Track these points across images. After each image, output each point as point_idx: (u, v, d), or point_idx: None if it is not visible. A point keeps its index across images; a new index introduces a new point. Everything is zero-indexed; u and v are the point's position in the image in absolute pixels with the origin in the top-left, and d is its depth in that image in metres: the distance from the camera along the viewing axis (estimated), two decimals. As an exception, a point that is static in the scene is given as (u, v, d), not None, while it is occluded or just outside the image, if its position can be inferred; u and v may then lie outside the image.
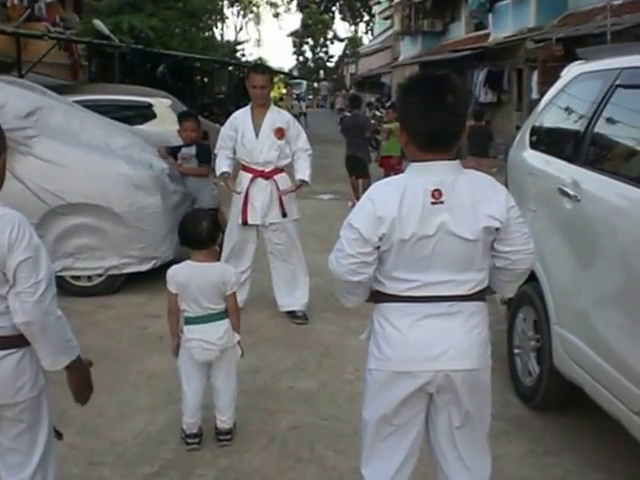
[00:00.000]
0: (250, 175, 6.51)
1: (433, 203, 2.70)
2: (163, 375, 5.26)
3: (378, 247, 2.75)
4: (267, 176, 6.53)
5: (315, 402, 4.92)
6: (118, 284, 7.44)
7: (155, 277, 7.41)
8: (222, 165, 6.63)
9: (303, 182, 6.60)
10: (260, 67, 7.09)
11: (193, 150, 7.86)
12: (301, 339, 6.17)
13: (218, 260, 4.48)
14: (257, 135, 6.51)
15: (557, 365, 4.34)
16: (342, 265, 2.79)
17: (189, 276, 4.16)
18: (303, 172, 6.62)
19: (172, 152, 7.99)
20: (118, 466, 4.13)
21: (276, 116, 6.63)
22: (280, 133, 6.52)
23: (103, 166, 7.27)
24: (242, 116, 6.66)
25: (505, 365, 5.16)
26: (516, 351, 5.04)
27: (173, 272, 4.22)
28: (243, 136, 6.55)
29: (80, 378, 3.00)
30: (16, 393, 2.80)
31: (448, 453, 2.99)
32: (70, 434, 4.39)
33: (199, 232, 4.19)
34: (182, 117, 8.23)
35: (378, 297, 2.88)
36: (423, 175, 2.75)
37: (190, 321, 4.21)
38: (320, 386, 5.17)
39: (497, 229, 2.77)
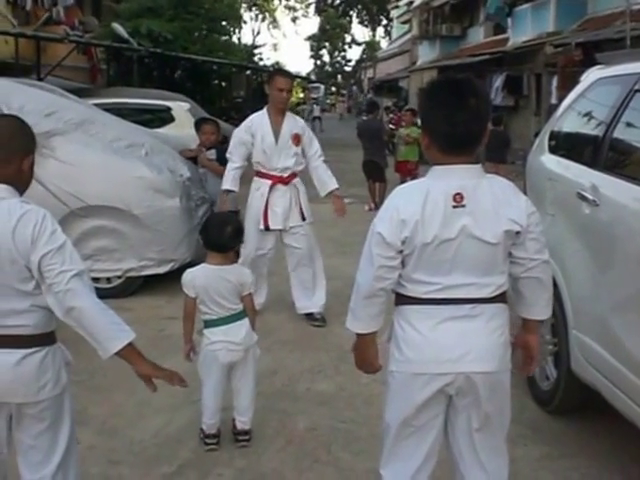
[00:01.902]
0: (269, 182, 6.51)
1: (455, 207, 2.72)
2: (182, 376, 5.28)
3: (401, 251, 2.76)
4: (286, 181, 6.55)
5: (332, 404, 4.94)
6: (136, 286, 7.48)
7: (173, 280, 7.44)
8: (228, 180, 6.56)
9: (336, 189, 6.69)
10: (285, 70, 7.11)
11: (213, 155, 7.92)
12: (318, 342, 6.19)
13: (235, 262, 4.49)
14: (277, 141, 6.51)
15: (575, 369, 4.34)
16: (369, 271, 2.80)
17: (208, 279, 4.20)
18: (330, 180, 6.70)
19: (191, 157, 8.08)
20: (137, 465, 4.17)
21: (293, 122, 6.65)
22: (297, 139, 6.55)
23: (123, 169, 7.31)
24: (259, 120, 6.58)
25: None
26: (533, 355, 5.04)
27: (191, 276, 4.25)
28: (263, 141, 6.50)
29: (141, 361, 2.98)
30: (38, 391, 2.84)
31: (466, 455, 3.01)
32: (89, 433, 4.46)
33: (223, 236, 4.22)
34: (201, 121, 8.32)
35: (399, 300, 2.90)
36: (445, 179, 2.77)
37: (212, 324, 4.24)
38: (337, 389, 5.19)
39: (517, 233, 2.79)
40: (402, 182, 13.41)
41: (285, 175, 6.55)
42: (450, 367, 2.81)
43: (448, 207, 2.72)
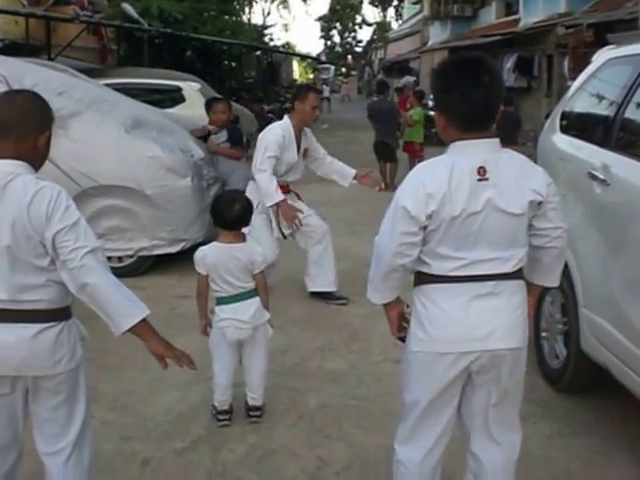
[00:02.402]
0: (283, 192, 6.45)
1: (479, 180, 2.74)
2: (194, 354, 5.21)
3: (425, 227, 2.76)
4: (290, 190, 6.68)
5: (343, 382, 4.97)
6: (148, 265, 7.52)
7: (185, 259, 7.49)
8: (278, 191, 6.30)
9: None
10: (316, 87, 7.07)
11: (224, 135, 7.93)
12: (329, 321, 6.22)
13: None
14: (297, 155, 6.55)
15: (584, 348, 4.36)
16: (389, 247, 2.78)
17: (218, 257, 4.22)
18: (347, 168, 6.82)
19: (201, 136, 8.08)
20: (150, 441, 4.22)
21: (305, 135, 6.69)
22: (306, 154, 6.66)
23: (135, 148, 7.33)
24: (289, 136, 6.47)
25: (532, 348, 5.17)
26: (543, 334, 5.06)
27: (202, 254, 4.27)
28: (290, 156, 6.48)
29: (154, 339, 3.01)
30: (54, 365, 2.86)
31: (481, 430, 3.06)
32: (101, 410, 4.51)
33: (232, 213, 4.24)
34: (212, 100, 8.32)
35: (421, 278, 2.88)
36: (467, 153, 2.78)
37: (222, 301, 4.27)
38: (348, 367, 5.22)
39: (539, 203, 2.82)
40: (411, 163, 13.42)
41: (291, 185, 6.67)
42: (477, 345, 2.83)
43: (473, 180, 2.74)
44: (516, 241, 2.84)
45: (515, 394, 3.05)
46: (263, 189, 6.21)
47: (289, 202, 6.40)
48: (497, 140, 2.85)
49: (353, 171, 6.77)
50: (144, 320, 2.86)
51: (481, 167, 2.75)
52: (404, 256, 2.78)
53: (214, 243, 4.31)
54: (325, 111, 39.23)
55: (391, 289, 2.94)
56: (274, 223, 6.47)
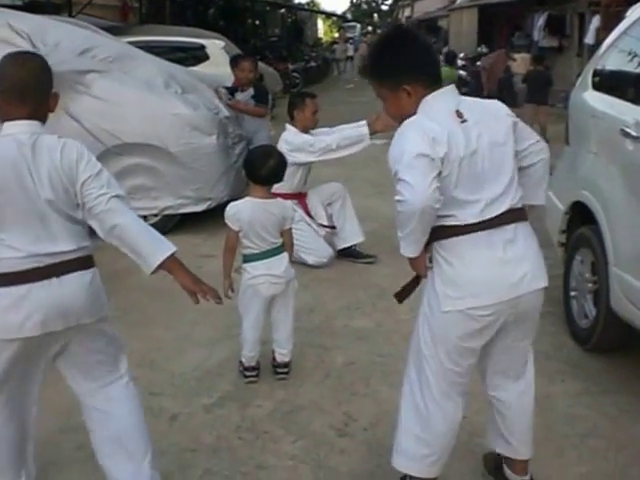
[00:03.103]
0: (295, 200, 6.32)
1: (461, 122, 2.80)
2: (220, 312, 5.27)
3: (439, 173, 2.72)
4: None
5: (370, 340, 4.96)
6: (173, 224, 7.49)
7: (210, 218, 7.49)
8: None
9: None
10: (312, 94, 6.94)
11: (250, 92, 7.87)
12: (356, 280, 6.20)
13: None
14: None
15: (614, 307, 4.31)
16: (422, 194, 2.66)
17: (254, 212, 4.19)
18: (354, 126, 6.57)
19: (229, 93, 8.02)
20: (178, 397, 4.24)
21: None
22: None
23: (159, 106, 7.28)
24: None
25: (560, 308, 5.15)
26: (572, 294, 5.02)
27: (235, 209, 4.23)
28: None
29: (184, 273, 3.04)
30: (102, 307, 2.98)
31: (500, 370, 3.13)
32: (130, 367, 4.51)
33: (267, 167, 4.20)
34: (238, 58, 8.24)
35: (442, 232, 2.83)
36: (439, 103, 2.85)
37: (254, 257, 4.25)
38: (375, 325, 5.22)
39: (515, 123, 2.93)
40: None
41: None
42: (513, 292, 2.84)
43: (458, 124, 2.80)
44: (513, 169, 2.90)
45: (533, 331, 3.12)
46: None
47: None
48: (454, 87, 2.99)
49: (362, 123, 6.57)
50: (173, 256, 2.93)
51: (457, 111, 2.82)
52: (437, 200, 2.70)
53: (247, 198, 4.27)
54: (348, 70, 38.91)
55: (425, 238, 2.86)
56: (309, 220, 6.51)
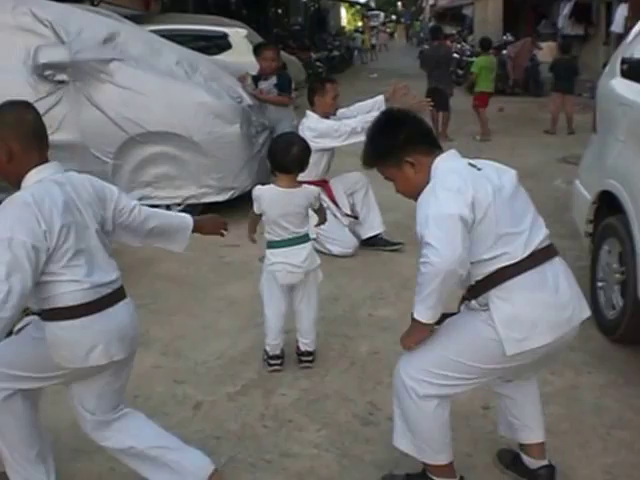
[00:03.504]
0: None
1: (478, 170, 2.91)
2: (244, 301, 5.35)
3: (472, 222, 2.77)
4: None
5: (394, 330, 4.89)
6: (196, 214, 7.42)
7: (233, 208, 7.48)
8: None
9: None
10: (332, 79, 6.89)
11: (273, 81, 7.84)
12: (379, 270, 6.18)
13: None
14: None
15: (642, 298, 4.27)
16: (449, 257, 2.68)
17: (275, 201, 4.18)
18: (368, 101, 6.58)
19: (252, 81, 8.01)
20: (201, 385, 4.24)
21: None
22: None
23: (183, 94, 7.25)
24: None
25: (587, 300, 5.08)
26: (599, 284, 4.97)
27: (258, 193, 4.23)
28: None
29: (206, 223, 3.53)
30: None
31: (514, 375, 3.18)
32: (153, 354, 4.55)
33: (290, 155, 4.17)
34: (261, 46, 8.21)
35: (502, 276, 2.83)
36: (450, 161, 2.95)
37: (274, 245, 4.25)
38: (399, 315, 5.16)
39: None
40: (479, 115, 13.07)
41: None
42: (567, 326, 2.89)
43: (475, 171, 2.90)
44: (532, 206, 3.00)
45: None
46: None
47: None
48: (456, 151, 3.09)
49: (380, 97, 6.54)
50: (194, 220, 3.37)
51: (469, 163, 2.94)
52: (463, 263, 2.72)
53: (272, 186, 4.24)
54: (369, 60, 38.76)
55: (441, 305, 2.85)
56: (334, 208, 6.47)
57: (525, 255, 2.82)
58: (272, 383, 4.26)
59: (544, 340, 2.82)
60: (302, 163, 4.24)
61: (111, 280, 2.91)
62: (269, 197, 4.20)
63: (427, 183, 2.89)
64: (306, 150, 4.26)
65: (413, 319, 2.86)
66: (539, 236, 2.89)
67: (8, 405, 3.00)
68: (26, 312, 3.01)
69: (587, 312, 2.99)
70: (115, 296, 2.93)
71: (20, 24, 7.11)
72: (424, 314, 2.82)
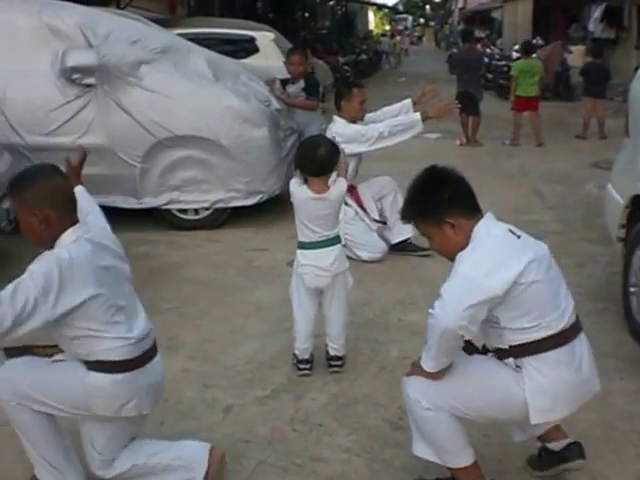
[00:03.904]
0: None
1: (517, 237, 2.94)
2: (273, 305, 5.34)
3: (504, 294, 2.79)
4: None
5: (424, 335, 4.85)
6: (224, 218, 7.49)
7: (261, 211, 7.51)
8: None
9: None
10: (359, 83, 6.87)
11: (301, 85, 7.85)
12: (409, 274, 6.15)
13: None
14: None
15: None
16: (450, 316, 2.73)
17: (305, 205, 4.16)
18: (401, 104, 6.61)
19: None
20: (231, 389, 4.24)
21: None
22: None
23: (211, 98, 7.26)
24: None
25: (619, 305, 5.06)
26: (632, 290, 4.90)
27: (293, 190, 4.21)
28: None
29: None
30: None
31: None
32: (182, 358, 4.56)
33: (317, 157, 4.12)
34: (289, 51, 8.23)
35: (541, 346, 2.88)
36: (494, 227, 2.97)
37: (304, 245, 4.23)
38: (429, 320, 5.16)
39: None
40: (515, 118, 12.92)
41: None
42: (582, 400, 3.01)
43: (516, 239, 2.93)
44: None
45: None
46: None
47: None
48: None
49: (408, 101, 6.57)
50: None
51: (509, 229, 2.96)
52: (463, 327, 2.75)
53: (305, 188, 4.17)
54: (397, 64, 38.65)
55: (447, 361, 2.94)
56: (362, 214, 6.46)
57: (560, 328, 2.89)
58: (302, 387, 4.24)
59: (564, 414, 2.96)
60: (330, 164, 4.17)
61: (148, 331, 3.03)
62: (300, 199, 4.17)
63: (465, 245, 2.90)
64: (333, 151, 4.20)
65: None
66: (570, 309, 2.95)
67: (35, 415, 3.06)
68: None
69: (598, 386, 3.06)
70: (153, 351, 3.06)
71: (47, 27, 7.17)
72: (427, 363, 2.93)
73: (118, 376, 2.91)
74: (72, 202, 2.97)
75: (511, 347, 2.90)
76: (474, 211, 2.98)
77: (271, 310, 5.29)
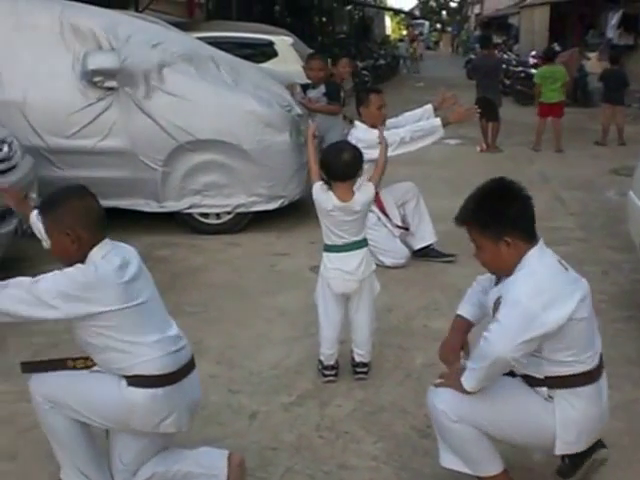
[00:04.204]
0: None
1: (565, 269, 2.96)
2: (296, 311, 5.33)
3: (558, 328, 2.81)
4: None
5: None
6: (246, 222, 7.48)
7: (282, 216, 7.49)
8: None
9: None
10: (377, 88, 6.84)
11: (322, 89, 7.84)
12: (433, 281, 6.12)
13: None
14: None
15: None
16: (505, 346, 2.77)
17: (330, 212, 4.13)
18: (423, 110, 6.61)
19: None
20: (257, 394, 4.22)
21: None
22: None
23: (233, 102, 7.25)
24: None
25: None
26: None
27: (316, 196, 4.18)
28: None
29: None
30: None
31: None
32: (208, 364, 4.54)
33: (341, 162, 4.10)
34: (309, 56, 8.23)
35: (579, 381, 2.92)
36: (547, 256, 2.97)
37: (329, 249, 4.22)
38: (453, 326, 5.13)
39: None
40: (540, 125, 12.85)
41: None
42: (600, 431, 3.09)
43: (565, 272, 2.96)
44: None
45: None
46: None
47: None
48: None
49: (429, 106, 6.55)
50: None
51: (558, 261, 2.97)
52: (514, 359, 2.84)
53: (331, 195, 4.13)
54: (415, 70, 38.57)
55: (488, 382, 2.97)
56: (384, 220, 6.42)
57: (594, 365, 2.94)
58: (327, 394, 4.22)
59: (584, 447, 3.02)
60: (355, 169, 4.16)
61: (183, 345, 3.06)
62: (324, 206, 4.15)
63: (513, 267, 2.90)
64: (357, 156, 4.19)
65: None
66: (600, 346, 3.01)
67: (69, 421, 3.06)
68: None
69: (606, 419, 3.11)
70: (191, 365, 3.08)
71: (69, 29, 7.17)
72: (470, 383, 2.93)
73: (157, 391, 2.92)
74: (102, 221, 3.01)
75: (547, 378, 2.92)
76: (532, 236, 2.96)
77: (295, 315, 5.28)
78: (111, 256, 2.93)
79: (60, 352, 4.62)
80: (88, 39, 7.15)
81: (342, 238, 4.17)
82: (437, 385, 3.09)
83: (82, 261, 2.92)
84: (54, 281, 2.82)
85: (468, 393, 2.94)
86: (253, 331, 5.08)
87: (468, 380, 2.93)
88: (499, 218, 2.92)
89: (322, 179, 4.23)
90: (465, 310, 3.32)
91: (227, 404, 4.12)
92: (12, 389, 4.18)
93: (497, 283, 3.08)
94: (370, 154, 5.98)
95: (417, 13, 71.50)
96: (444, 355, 3.26)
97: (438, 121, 6.24)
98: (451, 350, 3.24)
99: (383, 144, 4.53)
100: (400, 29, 60.04)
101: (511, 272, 2.92)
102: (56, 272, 2.88)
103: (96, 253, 2.93)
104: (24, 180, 6.00)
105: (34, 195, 6.11)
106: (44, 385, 3.03)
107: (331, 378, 4.32)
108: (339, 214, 4.12)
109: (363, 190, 4.23)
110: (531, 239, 2.94)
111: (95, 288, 2.82)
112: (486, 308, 3.16)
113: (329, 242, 4.21)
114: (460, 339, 3.26)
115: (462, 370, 3.00)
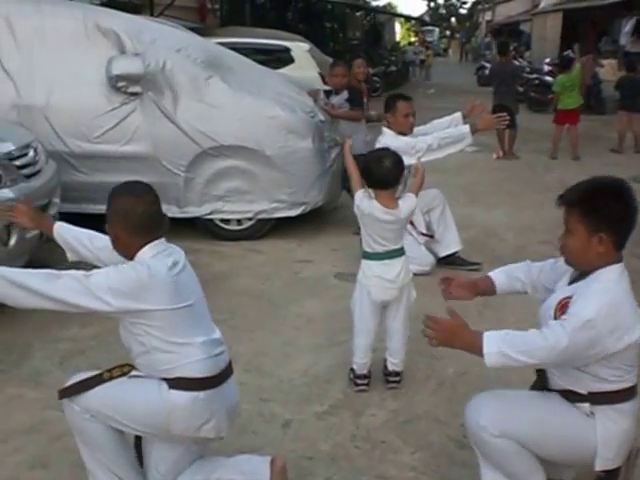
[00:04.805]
0: None
1: None
2: (322, 318, 5.30)
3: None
4: None
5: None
6: (267, 229, 7.46)
7: (304, 223, 7.47)
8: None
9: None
10: (405, 95, 6.82)
11: (345, 95, 7.82)
12: (459, 288, 6.06)
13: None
14: None
15: None
16: (559, 354, 2.72)
17: (373, 219, 4.11)
18: (451, 118, 6.61)
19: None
20: (288, 403, 4.19)
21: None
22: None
23: (256, 108, 7.22)
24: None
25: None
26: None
27: (359, 203, 4.14)
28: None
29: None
30: None
31: None
32: (237, 371, 4.43)
33: (382, 169, 4.09)
34: (332, 63, 8.24)
35: (626, 395, 2.88)
36: (622, 279, 2.83)
37: (369, 256, 4.20)
38: (483, 334, 5.09)
39: None
40: (557, 132, 12.79)
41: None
42: None
43: None
44: None
45: None
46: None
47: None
48: None
49: (458, 114, 6.53)
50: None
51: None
52: (559, 369, 2.88)
53: (374, 202, 4.12)
54: (423, 76, 38.55)
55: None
56: (409, 227, 6.34)
57: (634, 381, 2.89)
58: (360, 403, 4.19)
59: (619, 464, 2.94)
60: (396, 176, 4.15)
61: (223, 349, 3.07)
62: (368, 213, 4.12)
63: (590, 267, 2.83)
64: (398, 162, 4.18)
65: (479, 345, 2.86)
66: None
67: (108, 428, 3.03)
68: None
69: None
70: (230, 370, 3.10)
71: (92, 33, 7.16)
72: (494, 357, 2.78)
73: (199, 394, 2.89)
74: (148, 226, 2.95)
75: (591, 394, 2.86)
76: (621, 248, 2.85)
77: (322, 323, 5.25)
78: (162, 256, 2.93)
79: (87, 359, 4.66)
80: (112, 43, 7.13)
81: (383, 246, 4.15)
82: (426, 325, 3.03)
83: (132, 257, 2.94)
84: (106, 276, 2.82)
85: (478, 354, 2.85)
86: (280, 339, 5.05)
87: (492, 353, 2.79)
88: (606, 211, 2.77)
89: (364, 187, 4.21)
90: (496, 275, 3.34)
91: (259, 412, 4.08)
92: (41, 396, 4.18)
93: (571, 283, 2.97)
94: None
95: (427, 19, 71.40)
96: (457, 284, 3.38)
97: (467, 128, 6.20)
98: (466, 285, 3.30)
99: (419, 163, 4.49)
100: (409, 35, 59.88)
101: (587, 270, 2.84)
102: (110, 267, 2.90)
103: (145, 252, 2.92)
104: (47, 185, 5.98)
105: (57, 200, 6.10)
106: (82, 397, 2.99)
107: (363, 387, 4.29)
108: (383, 221, 4.10)
109: (406, 200, 4.22)
110: (620, 250, 2.84)
111: (146, 286, 2.81)
112: (525, 286, 3.28)
113: (370, 250, 4.19)
114: (475, 287, 3.33)
115: (466, 327, 2.99)
